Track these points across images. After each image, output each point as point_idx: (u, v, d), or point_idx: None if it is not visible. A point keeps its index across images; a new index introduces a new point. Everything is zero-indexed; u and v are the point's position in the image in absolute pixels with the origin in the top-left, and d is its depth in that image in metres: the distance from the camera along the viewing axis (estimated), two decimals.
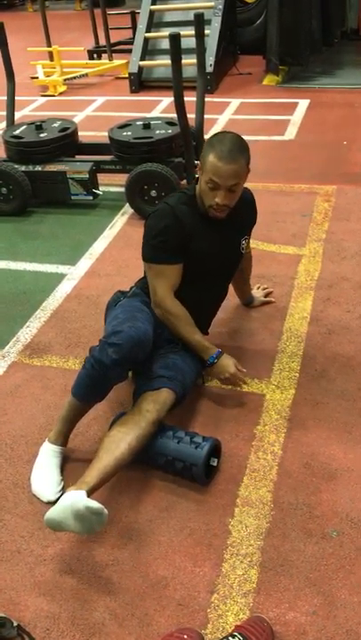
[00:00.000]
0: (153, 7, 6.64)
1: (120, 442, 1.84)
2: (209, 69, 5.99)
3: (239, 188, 2.08)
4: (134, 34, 6.93)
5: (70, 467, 2.06)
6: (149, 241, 2.13)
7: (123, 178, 3.77)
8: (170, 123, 3.95)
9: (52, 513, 1.69)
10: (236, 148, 2.03)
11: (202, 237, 2.15)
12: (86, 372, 1.98)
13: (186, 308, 2.23)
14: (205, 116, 4.11)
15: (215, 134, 2.12)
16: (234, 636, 1.48)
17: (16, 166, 3.84)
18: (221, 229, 2.20)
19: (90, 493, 1.70)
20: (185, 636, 1.50)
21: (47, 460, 2.03)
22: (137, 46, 6.53)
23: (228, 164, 1.99)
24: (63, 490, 1.96)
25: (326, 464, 2.03)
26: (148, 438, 1.91)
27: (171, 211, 2.11)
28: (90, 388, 2.01)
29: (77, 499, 1.66)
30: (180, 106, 3.60)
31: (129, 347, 1.89)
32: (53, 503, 1.79)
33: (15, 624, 1.59)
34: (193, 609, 1.64)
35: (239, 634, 1.49)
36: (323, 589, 1.66)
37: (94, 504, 1.65)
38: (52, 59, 7.11)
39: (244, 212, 2.28)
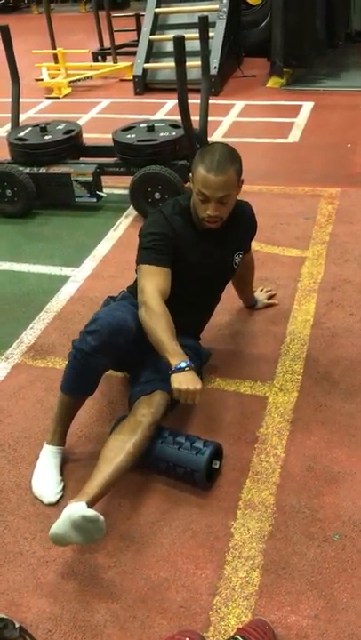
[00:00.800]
0: (157, 10, 6.66)
1: (118, 450, 1.84)
2: (213, 72, 5.99)
3: (230, 200, 2.06)
4: (139, 36, 6.94)
5: (71, 467, 2.07)
6: (141, 244, 2.12)
7: (127, 180, 3.78)
8: (174, 125, 3.95)
9: (55, 528, 1.69)
10: (225, 159, 2.00)
11: (193, 249, 2.15)
12: (70, 365, 2.01)
13: (176, 315, 2.22)
14: (209, 119, 4.11)
15: (205, 146, 2.11)
16: (235, 639, 1.48)
17: (20, 168, 3.85)
18: (214, 242, 2.19)
19: (91, 504, 1.70)
20: (187, 639, 1.50)
21: (46, 461, 2.04)
22: (141, 49, 6.54)
23: (217, 175, 1.97)
24: (64, 490, 1.96)
25: (329, 467, 2.03)
26: (146, 443, 1.91)
27: (164, 219, 2.11)
28: (76, 381, 2.02)
29: (74, 510, 1.66)
30: (184, 108, 3.61)
31: (107, 332, 1.92)
32: (54, 505, 1.79)
33: (17, 625, 1.59)
34: (195, 611, 1.64)
35: (241, 637, 1.49)
36: (325, 593, 1.66)
37: (89, 512, 1.64)
38: (56, 61, 7.13)
39: (240, 228, 2.27)
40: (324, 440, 2.13)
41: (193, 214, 2.15)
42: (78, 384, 2.04)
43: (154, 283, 2.02)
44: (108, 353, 1.96)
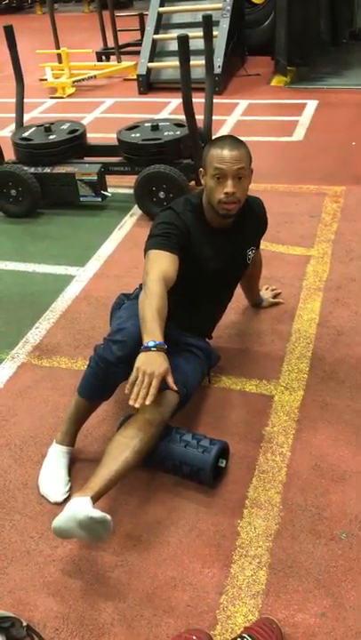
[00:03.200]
0: (161, 9, 6.66)
1: (124, 447, 1.83)
2: (217, 71, 6.00)
3: (245, 179, 2.06)
4: (142, 36, 6.95)
5: (79, 467, 2.07)
6: (152, 234, 2.10)
7: (131, 179, 3.78)
8: (178, 124, 3.95)
9: (58, 521, 1.69)
10: (235, 140, 2.07)
11: (207, 246, 2.14)
12: (91, 371, 2.00)
13: (189, 311, 2.22)
14: (214, 117, 4.11)
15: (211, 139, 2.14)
16: (243, 638, 1.48)
17: (25, 168, 3.85)
18: (227, 238, 2.19)
19: (95, 499, 1.70)
20: (194, 637, 1.50)
21: (55, 460, 2.04)
22: (145, 48, 6.55)
23: (231, 150, 2.01)
24: (71, 490, 1.97)
25: (335, 465, 2.02)
26: (152, 441, 1.90)
27: (177, 215, 2.10)
28: (95, 387, 2.02)
29: (80, 508, 1.65)
30: (188, 107, 3.60)
31: (133, 343, 1.90)
32: (61, 504, 1.79)
33: (25, 624, 1.59)
34: (202, 610, 1.64)
35: (248, 635, 1.49)
36: (332, 591, 1.66)
37: (96, 513, 1.64)
38: (60, 61, 7.14)
39: (252, 223, 2.27)
40: (330, 438, 2.12)
41: (206, 211, 2.14)
42: (98, 390, 2.04)
43: (159, 267, 1.97)
44: (132, 363, 1.88)
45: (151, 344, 1.79)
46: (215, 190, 2.04)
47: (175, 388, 1.81)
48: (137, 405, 1.73)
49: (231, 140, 2.07)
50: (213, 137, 4.12)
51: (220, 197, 2.03)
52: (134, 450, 1.84)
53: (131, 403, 1.74)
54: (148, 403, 1.72)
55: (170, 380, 1.79)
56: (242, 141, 2.09)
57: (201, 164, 2.12)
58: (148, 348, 1.78)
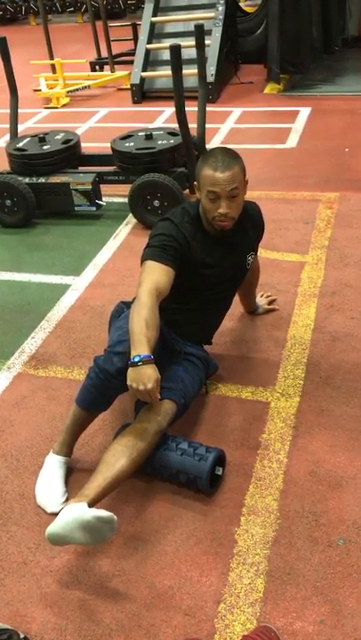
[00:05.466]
0: (154, 19, 6.70)
1: (121, 455, 1.84)
2: (210, 79, 6.04)
3: (239, 196, 2.07)
4: (136, 45, 6.99)
5: (75, 477, 2.07)
6: (149, 244, 2.10)
7: (126, 188, 3.79)
8: (172, 133, 3.97)
9: (54, 528, 1.68)
10: (228, 157, 2.04)
11: (206, 254, 2.15)
12: (91, 382, 1.99)
13: (189, 319, 2.23)
14: (207, 126, 4.13)
15: (205, 153, 2.12)
16: None
17: (20, 178, 3.86)
18: (227, 246, 2.19)
19: (90, 506, 1.70)
20: None
21: (51, 470, 2.04)
22: (138, 58, 6.58)
23: (224, 171, 2.00)
24: (67, 501, 1.96)
25: (332, 472, 2.02)
26: (149, 450, 1.91)
27: (175, 227, 2.11)
28: (94, 398, 2.02)
29: (83, 510, 1.66)
30: (181, 116, 3.62)
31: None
32: (57, 514, 1.78)
33: (22, 636, 1.58)
34: (200, 619, 1.64)
35: None
36: (330, 598, 1.66)
37: (104, 513, 1.65)
38: (54, 71, 7.18)
39: (249, 228, 2.28)
40: (327, 445, 2.12)
41: (203, 220, 2.15)
42: (97, 401, 2.04)
43: (152, 279, 1.98)
44: None
45: (137, 359, 1.80)
46: (210, 209, 2.07)
47: (158, 401, 1.84)
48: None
49: (224, 157, 2.03)
50: (207, 146, 4.17)
51: (215, 215, 2.07)
52: (131, 458, 1.84)
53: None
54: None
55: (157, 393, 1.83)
56: (235, 156, 2.07)
57: (195, 177, 2.11)
58: (134, 363, 1.80)
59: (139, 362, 1.79)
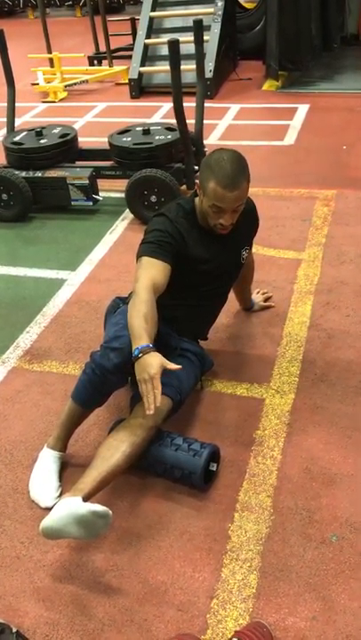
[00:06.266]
0: (152, 14, 6.67)
1: (115, 450, 1.84)
2: (208, 75, 6.02)
3: (243, 206, 2.08)
4: (134, 40, 6.96)
5: (69, 472, 2.07)
6: (144, 240, 2.10)
7: (123, 183, 3.78)
8: (169, 128, 3.96)
9: (48, 521, 1.68)
10: (238, 171, 1.98)
11: (201, 249, 2.15)
12: (87, 377, 1.99)
13: (185, 314, 2.23)
14: (205, 122, 4.12)
15: (213, 153, 2.05)
16: None
17: (16, 172, 3.85)
18: (221, 242, 2.19)
19: (85, 500, 1.70)
20: None
21: (46, 465, 2.04)
22: (137, 52, 6.56)
23: (232, 191, 1.96)
24: (61, 496, 1.96)
25: (326, 469, 2.02)
26: (144, 445, 1.91)
27: (170, 222, 2.10)
28: (90, 393, 2.02)
29: (78, 505, 1.66)
30: (179, 111, 3.61)
31: (130, 351, 1.89)
32: (51, 509, 1.78)
33: (14, 630, 1.58)
34: (192, 614, 1.64)
35: (239, 639, 1.48)
36: (323, 594, 1.66)
37: (99, 507, 1.65)
38: (52, 65, 7.14)
39: (244, 223, 2.27)
40: (321, 442, 2.13)
41: (199, 217, 2.15)
42: (93, 397, 2.04)
43: (149, 274, 1.98)
44: (129, 371, 1.90)
45: (136, 352, 1.79)
46: (212, 217, 2.07)
47: (158, 402, 1.79)
48: (151, 412, 1.73)
49: (233, 172, 1.96)
50: (205, 142, 4.15)
51: (216, 223, 2.08)
52: (125, 453, 1.84)
53: (148, 413, 1.75)
54: (158, 404, 1.74)
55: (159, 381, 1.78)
56: (242, 165, 2.01)
57: (199, 178, 2.07)
58: (136, 357, 1.80)
59: (139, 354, 1.78)
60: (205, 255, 2.16)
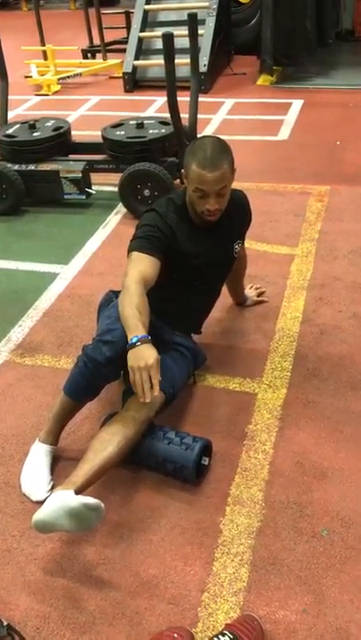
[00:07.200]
0: (147, 7, 6.64)
1: (108, 443, 1.84)
2: (203, 69, 5.99)
3: (227, 191, 2.07)
4: (128, 33, 6.93)
5: (61, 466, 2.06)
6: (135, 236, 2.10)
7: (116, 177, 3.77)
8: (163, 122, 3.95)
9: (40, 515, 1.68)
10: (217, 153, 2.01)
11: (193, 244, 2.15)
12: (79, 370, 1.99)
13: (179, 308, 2.23)
14: (199, 116, 4.11)
15: (194, 141, 2.10)
16: (224, 635, 1.48)
17: (9, 165, 3.83)
18: (213, 235, 2.19)
19: (76, 494, 1.70)
20: (175, 635, 1.50)
21: (37, 459, 2.03)
22: (131, 46, 6.53)
23: (213, 171, 1.98)
24: (52, 489, 1.96)
25: (318, 463, 2.03)
26: (137, 439, 1.91)
27: (160, 217, 2.11)
28: (82, 387, 2.01)
29: (70, 498, 1.66)
30: (173, 105, 3.60)
31: (123, 344, 1.88)
32: (42, 503, 1.78)
33: (5, 623, 1.58)
34: (183, 607, 1.64)
35: (229, 632, 1.49)
36: (313, 588, 1.67)
37: (91, 500, 1.65)
38: (45, 58, 7.10)
39: (236, 216, 2.28)
40: (312, 436, 2.13)
41: (190, 210, 2.15)
42: (85, 390, 2.03)
43: (138, 269, 1.98)
44: (121, 364, 1.88)
45: (135, 339, 1.79)
46: (197, 203, 2.07)
47: (157, 392, 1.80)
48: (147, 400, 1.75)
49: (213, 152, 2.00)
50: (199, 136, 4.14)
51: (202, 209, 2.07)
52: (117, 446, 1.84)
53: (141, 401, 1.76)
54: (155, 393, 1.75)
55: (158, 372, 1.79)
56: (224, 150, 2.04)
57: (183, 165, 2.11)
58: (133, 345, 1.79)
59: (137, 342, 1.78)
60: (196, 249, 2.16)
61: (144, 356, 1.76)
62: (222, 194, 2.05)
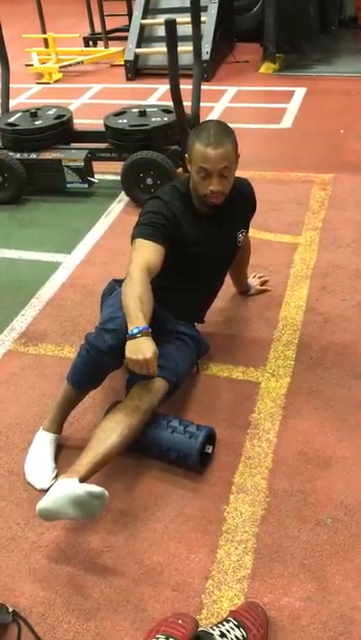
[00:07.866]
0: None
1: (112, 431, 1.84)
2: (205, 57, 5.93)
3: (231, 173, 2.06)
4: (130, 21, 6.87)
5: (64, 455, 2.07)
6: (139, 222, 2.09)
7: (118, 166, 3.75)
8: (166, 110, 3.92)
9: (45, 503, 1.68)
10: (221, 132, 2.02)
11: (197, 231, 2.14)
12: (82, 359, 1.99)
13: (182, 297, 2.22)
14: (202, 104, 4.08)
15: (199, 124, 2.09)
16: (228, 622, 1.49)
17: (11, 154, 3.81)
18: (217, 223, 2.18)
19: (81, 482, 1.70)
20: (180, 622, 1.50)
21: (41, 447, 2.04)
22: (133, 33, 6.47)
23: (216, 148, 1.98)
24: (56, 477, 1.96)
25: (321, 451, 2.03)
26: (140, 428, 1.91)
27: (164, 204, 2.09)
28: (85, 375, 2.02)
29: (74, 485, 1.67)
30: (176, 93, 3.57)
31: (125, 332, 1.88)
32: (47, 491, 1.79)
33: (11, 610, 1.59)
34: (188, 595, 1.65)
35: (234, 619, 1.50)
36: (317, 575, 1.67)
37: (95, 488, 1.66)
38: (47, 46, 7.05)
39: (240, 205, 2.26)
40: (316, 425, 2.13)
41: (193, 198, 2.13)
42: (88, 379, 2.03)
43: (143, 256, 1.97)
44: (123, 353, 1.86)
45: (135, 331, 1.79)
46: (200, 185, 2.05)
47: (155, 375, 1.81)
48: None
49: (216, 132, 2.01)
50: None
51: (206, 192, 2.05)
52: (121, 434, 1.84)
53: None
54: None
55: (155, 365, 1.80)
56: (228, 131, 2.05)
57: (186, 150, 2.10)
58: (132, 336, 1.79)
59: (137, 333, 1.78)
60: (200, 237, 2.15)
61: (142, 350, 1.76)
62: (225, 175, 2.03)
